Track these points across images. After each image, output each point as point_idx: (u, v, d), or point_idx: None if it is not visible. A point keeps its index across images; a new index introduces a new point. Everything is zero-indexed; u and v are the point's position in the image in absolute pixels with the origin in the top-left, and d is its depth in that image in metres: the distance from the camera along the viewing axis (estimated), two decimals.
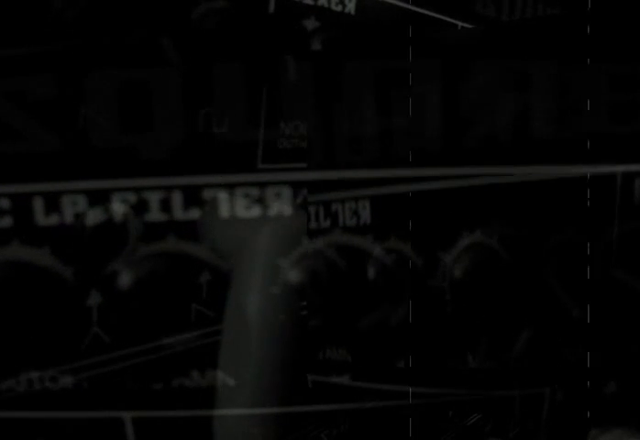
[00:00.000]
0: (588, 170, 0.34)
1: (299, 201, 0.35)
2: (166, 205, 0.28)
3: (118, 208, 0.27)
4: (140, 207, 0.28)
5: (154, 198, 0.28)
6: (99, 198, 0.27)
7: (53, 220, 0.27)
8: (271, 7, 0.32)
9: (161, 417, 0.28)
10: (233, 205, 0.29)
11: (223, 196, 0.29)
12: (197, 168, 0.30)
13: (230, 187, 0.30)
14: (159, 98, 0.29)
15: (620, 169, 0.35)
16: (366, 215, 0.34)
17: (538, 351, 0.37)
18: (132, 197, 0.27)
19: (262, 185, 0.29)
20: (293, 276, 0.30)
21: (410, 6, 0.37)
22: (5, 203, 0.26)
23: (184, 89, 0.30)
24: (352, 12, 0.36)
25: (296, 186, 0.35)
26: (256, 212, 0.30)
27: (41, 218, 0.27)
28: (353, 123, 0.34)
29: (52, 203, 0.27)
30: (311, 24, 0.34)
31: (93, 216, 0.27)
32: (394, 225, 0.34)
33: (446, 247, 0.35)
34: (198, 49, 0.30)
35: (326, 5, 0.35)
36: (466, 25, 0.39)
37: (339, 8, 0.35)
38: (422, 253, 0.35)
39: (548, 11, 0.41)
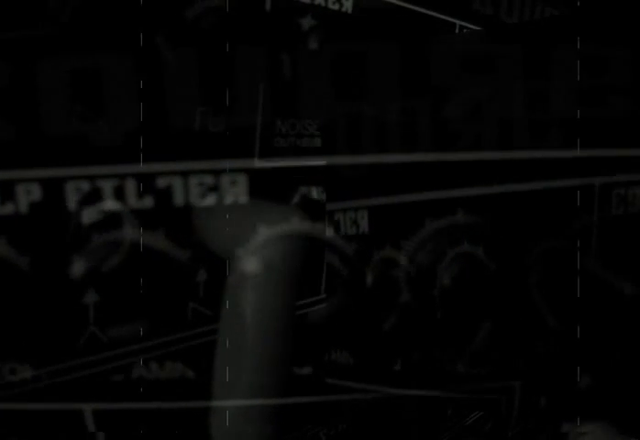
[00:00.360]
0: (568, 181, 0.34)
1: (296, 200, 0.34)
2: (120, 194, 0.27)
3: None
4: (94, 196, 0.27)
5: (108, 186, 0.27)
6: (55, 187, 0.26)
7: (8, 209, 0.26)
8: (268, 6, 0.32)
9: (121, 409, 0.28)
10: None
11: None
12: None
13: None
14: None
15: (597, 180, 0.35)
16: (364, 225, 0.35)
17: (510, 345, 0.37)
18: (86, 185, 0.27)
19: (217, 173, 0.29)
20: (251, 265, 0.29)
21: (408, 5, 0.37)
22: None
23: (180, 85, 0.29)
24: (349, 11, 0.35)
25: (293, 184, 0.34)
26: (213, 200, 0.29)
27: None
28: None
29: (7, 191, 0.26)
30: (307, 22, 0.33)
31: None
32: (390, 234, 0.35)
33: (437, 256, 0.35)
34: (193, 47, 0.30)
35: (323, 4, 0.34)
36: (463, 23, 0.38)
37: (336, 7, 0.35)
38: (415, 262, 0.35)
39: (547, 10, 0.40)
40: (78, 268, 0.26)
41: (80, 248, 0.27)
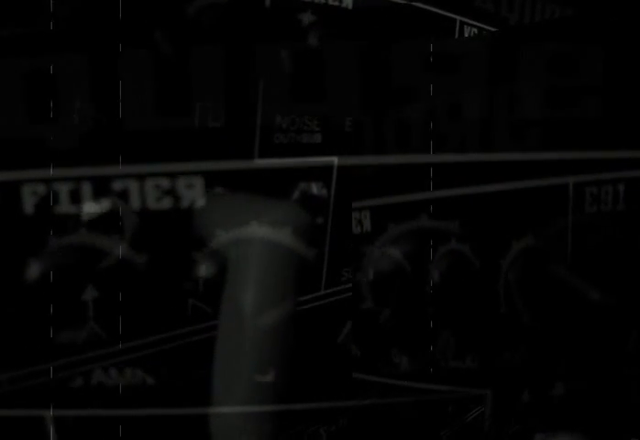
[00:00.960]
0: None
1: (295, 196, 0.34)
2: (75, 197, 0.26)
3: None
4: (50, 199, 0.26)
5: (64, 189, 0.26)
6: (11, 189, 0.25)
7: None
8: (268, 1, 0.31)
9: (82, 416, 0.27)
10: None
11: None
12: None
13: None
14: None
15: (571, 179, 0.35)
16: (367, 224, 0.35)
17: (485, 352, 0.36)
18: (42, 188, 0.25)
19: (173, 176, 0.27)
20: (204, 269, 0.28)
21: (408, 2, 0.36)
22: None
23: (180, 82, 0.29)
24: (349, 7, 0.34)
25: (292, 182, 0.34)
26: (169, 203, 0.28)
27: None
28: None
29: None
30: (307, 18, 0.32)
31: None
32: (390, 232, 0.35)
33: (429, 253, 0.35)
34: (193, 42, 0.29)
35: (323, 0, 0.33)
36: (464, 19, 0.37)
37: (336, 3, 0.34)
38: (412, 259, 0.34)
39: (548, 7, 0.39)
40: (34, 271, 0.26)
41: (37, 252, 0.26)
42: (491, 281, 0.35)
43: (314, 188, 0.34)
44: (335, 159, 0.35)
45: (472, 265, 0.35)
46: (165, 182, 0.27)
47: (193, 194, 0.28)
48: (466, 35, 0.38)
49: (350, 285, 0.35)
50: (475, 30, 0.38)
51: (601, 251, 0.35)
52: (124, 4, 0.27)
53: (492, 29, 0.39)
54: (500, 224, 0.35)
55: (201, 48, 0.29)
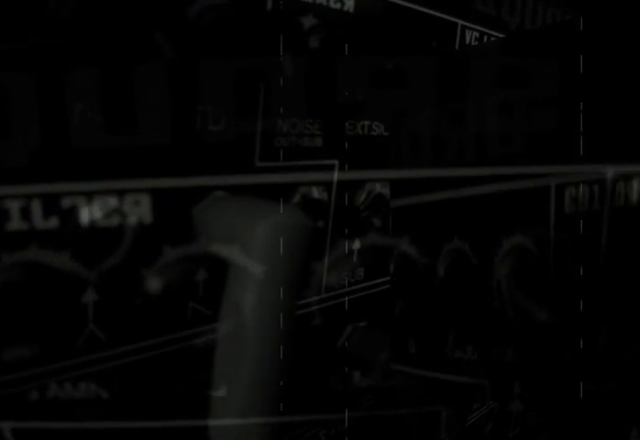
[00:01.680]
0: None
1: (297, 199, 0.33)
2: (26, 214, 0.25)
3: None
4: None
5: (14, 206, 0.25)
6: None
7: None
8: (269, 4, 0.30)
9: (41, 428, 0.26)
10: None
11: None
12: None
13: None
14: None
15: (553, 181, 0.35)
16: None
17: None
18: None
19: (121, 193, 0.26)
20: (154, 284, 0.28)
21: (409, 4, 0.35)
22: None
23: (180, 85, 0.28)
24: (351, 10, 0.34)
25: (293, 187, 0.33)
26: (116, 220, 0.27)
27: None
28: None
29: None
30: (308, 21, 0.32)
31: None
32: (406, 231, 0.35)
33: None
34: (194, 46, 0.28)
35: (325, 2, 0.33)
36: (465, 23, 0.37)
37: (338, 6, 0.33)
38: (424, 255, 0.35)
39: (549, 10, 0.39)
40: None
41: None
42: (486, 277, 0.35)
43: (315, 191, 0.34)
44: (335, 163, 0.34)
45: (471, 262, 0.35)
46: (112, 200, 0.27)
47: (140, 211, 0.27)
48: (467, 38, 0.37)
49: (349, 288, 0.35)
50: (476, 34, 0.37)
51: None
52: (125, 5, 0.26)
53: (494, 34, 0.38)
54: (493, 223, 0.35)
55: (200, 50, 0.28)
